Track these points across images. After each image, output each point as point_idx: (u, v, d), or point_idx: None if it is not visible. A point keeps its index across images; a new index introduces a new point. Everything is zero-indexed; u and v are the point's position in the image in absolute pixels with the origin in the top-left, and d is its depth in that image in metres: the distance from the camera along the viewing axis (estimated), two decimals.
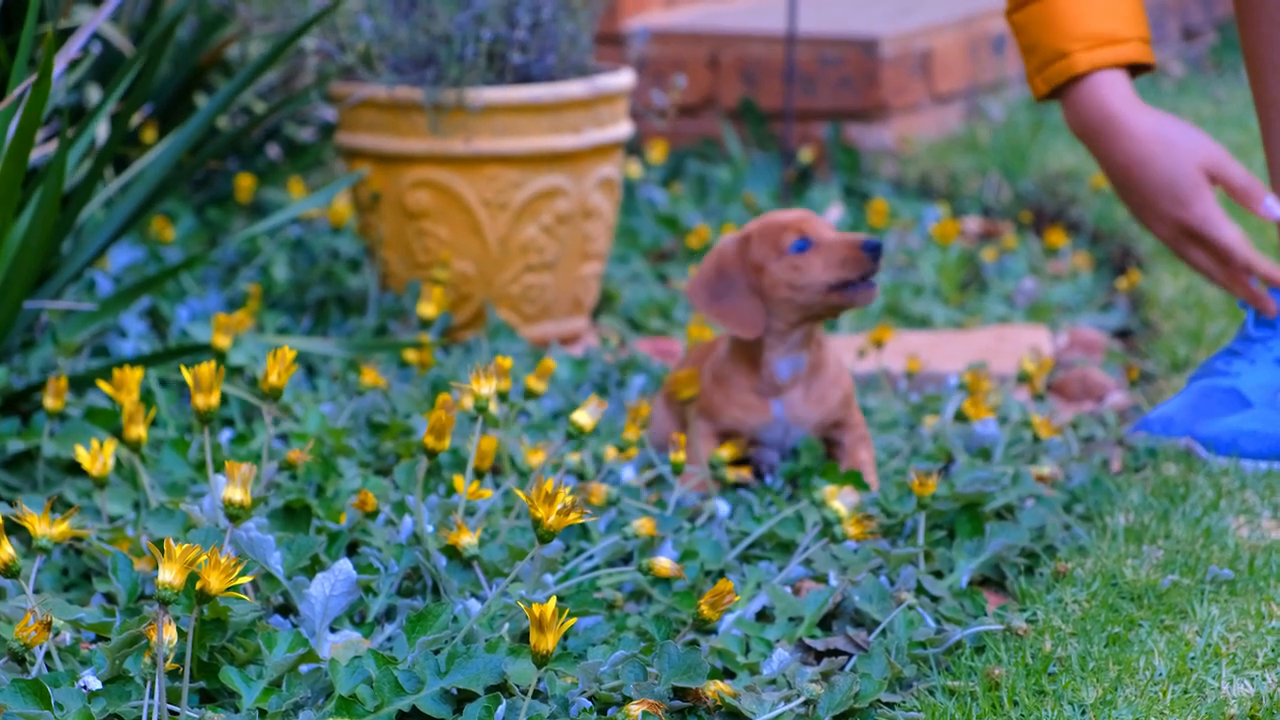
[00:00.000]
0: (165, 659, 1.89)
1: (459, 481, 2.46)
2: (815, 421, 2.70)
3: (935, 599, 2.31)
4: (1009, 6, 2.75)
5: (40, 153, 2.90)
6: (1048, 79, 2.71)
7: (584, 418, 2.44)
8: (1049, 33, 2.70)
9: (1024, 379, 3.03)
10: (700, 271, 2.70)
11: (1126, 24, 2.70)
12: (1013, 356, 3.36)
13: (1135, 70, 2.73)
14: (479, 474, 2.58)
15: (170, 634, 1.90)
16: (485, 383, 2.35)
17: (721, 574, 2.40)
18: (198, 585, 1.88)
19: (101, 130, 3.29)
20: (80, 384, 2.79)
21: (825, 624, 2.29)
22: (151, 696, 1.92)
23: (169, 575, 1.85)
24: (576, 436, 2.44)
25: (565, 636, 2.16)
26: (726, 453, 2.65)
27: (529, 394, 2.51)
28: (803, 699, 2.05)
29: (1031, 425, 2.85)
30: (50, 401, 2.60)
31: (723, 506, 2.55)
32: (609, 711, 2.02)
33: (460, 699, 2.00)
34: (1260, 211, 2.69)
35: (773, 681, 2.10)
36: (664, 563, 2.27)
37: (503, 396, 2.60)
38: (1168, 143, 2.69)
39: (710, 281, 2.68)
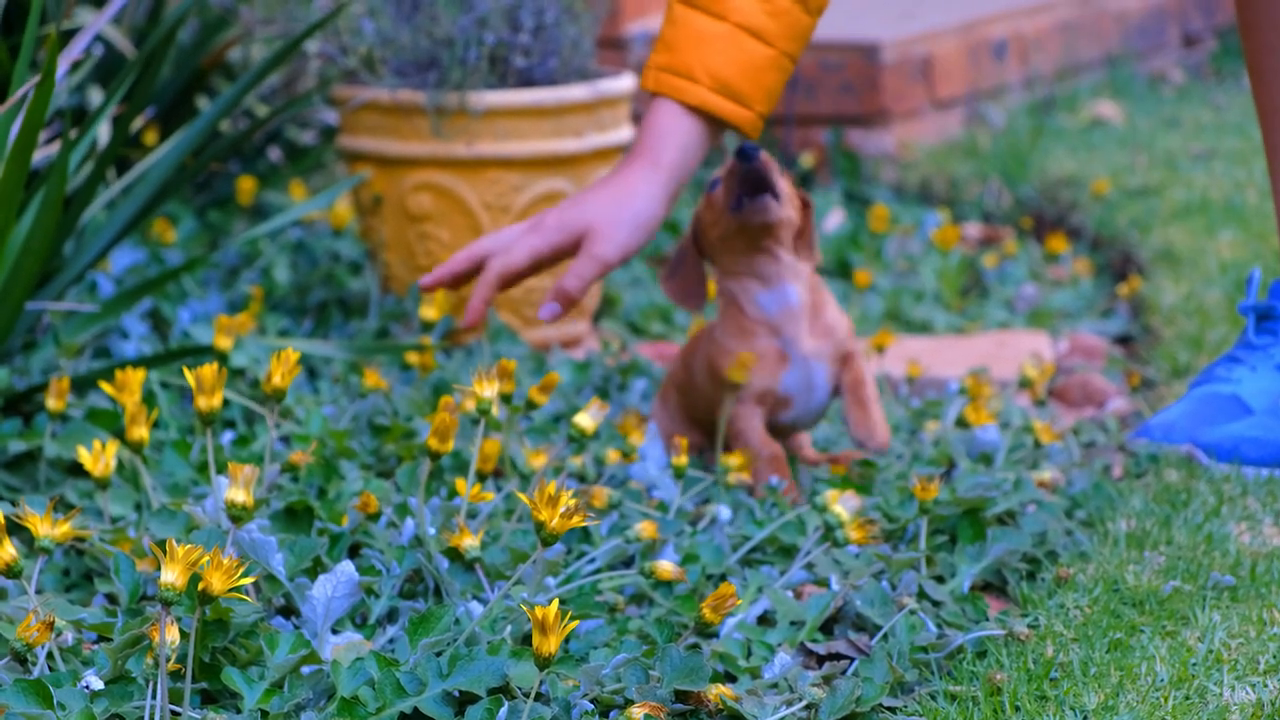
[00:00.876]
0: (167, 660, 1.89)
1: (461, 484, 2.46)
2: (829, 352, 2.69)
3: (937, 604, 2.31)
4: None
5: (42, 154, 2.90)
6: (663, 83, 2.67)
7: (586, 421, 2.44)
8: (695, 48, 2.66)
9: (1025, 384, 3.03)
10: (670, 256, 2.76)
11: (759, 95, 2.67)
12: (1013, 362, 3.36)
13: (726, 129, 2.71)
14: (481, 477, 2.58)
15: (172, 635, 1.90)
16: (487, 385, 2.35)
17: (723, 577, 2.40)
18: (200, 586, 1.88)
19: (103, 132, 3.29)
20: (82, 385, 2.79)
21: (827, 628, 2.29)
22: (153, 697, 1.92)
23: (171, 576, 1.85)
24: (578, 439, 2.44)
25: (567, 639, 2.16)
26: (735, 461, 2.65)
27: (530, 405, 2.51)
28: (804, 703, 2.05)
29: (1033, 431, 2.85)
30: (52, 402, 2.60)
31: (724, 511, 2.55)
32: (610, 715, 2.02)
33: (462, 701, 2.00)
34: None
35: (774, 685, 2.10)
36: (666, 566, 2.27)
37: (506, 399, 2.60)
38: (623, 198, 2.67)
39: (671, 263, 2.74)
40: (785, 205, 2.65)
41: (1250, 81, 2.80)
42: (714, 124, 2.68)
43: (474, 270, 2.72)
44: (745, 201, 2.62)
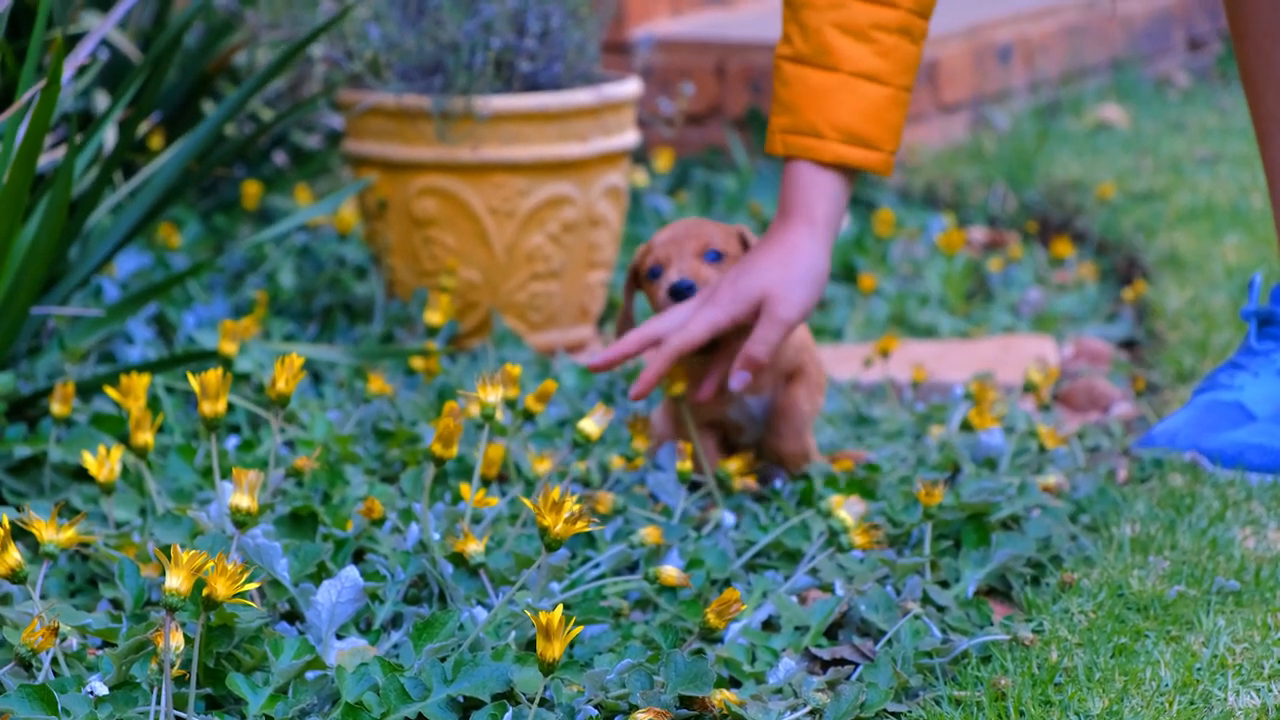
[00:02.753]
0: (172, 665, 1.89)
1: (465, 489, 2.47)
2: (769, 383, 2.68)
3: (941, 609, 2.31)
4: (784, 50, 2.66)
5: (48, 159, 2.91)
6: (790, 145, 2.65)
7: (590, 426, 2.44)
8: (814, 104, 2.64)
9: (1030, 389, 3.03)
10: None
11: (887, 135, 2.66)
12: (1018, 367, 3.36)
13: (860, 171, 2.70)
14: (485, 482, 2.58)
15: (177, 640, 1.90)
16: (492, 390, 2.35)
17: (728, 583, 2.40)
18: (204, 591, 1.88)
19: (109, 136, 3.30)
20: (87, 390, 2.79)
21: (831, 633, 2.29)
22: (158, 703, 1.92)
23: (176, 581, 1.85)
24: (583, 445, 2.44)
25: (571, 644, 2.16)
26: (734, 465, 2.65)
27: (528, 414, 2.51)
28: (809, 708, 2.05)
29: (1037, 435, 2.85)
30: (57, 407, 2.60)
31: (729, 517, 2.55)
32: None
33: (466, 707, 2.00)
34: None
35: (779, 691, 2.10)
36: (670, 571, 2.27)
37: (511, 404, 2.60)
38: (790, 259, 2.65)
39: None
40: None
41: (1244, 89, 2.80)
42: (849, 172, 2.67)
43: (643, 350, 2.72)
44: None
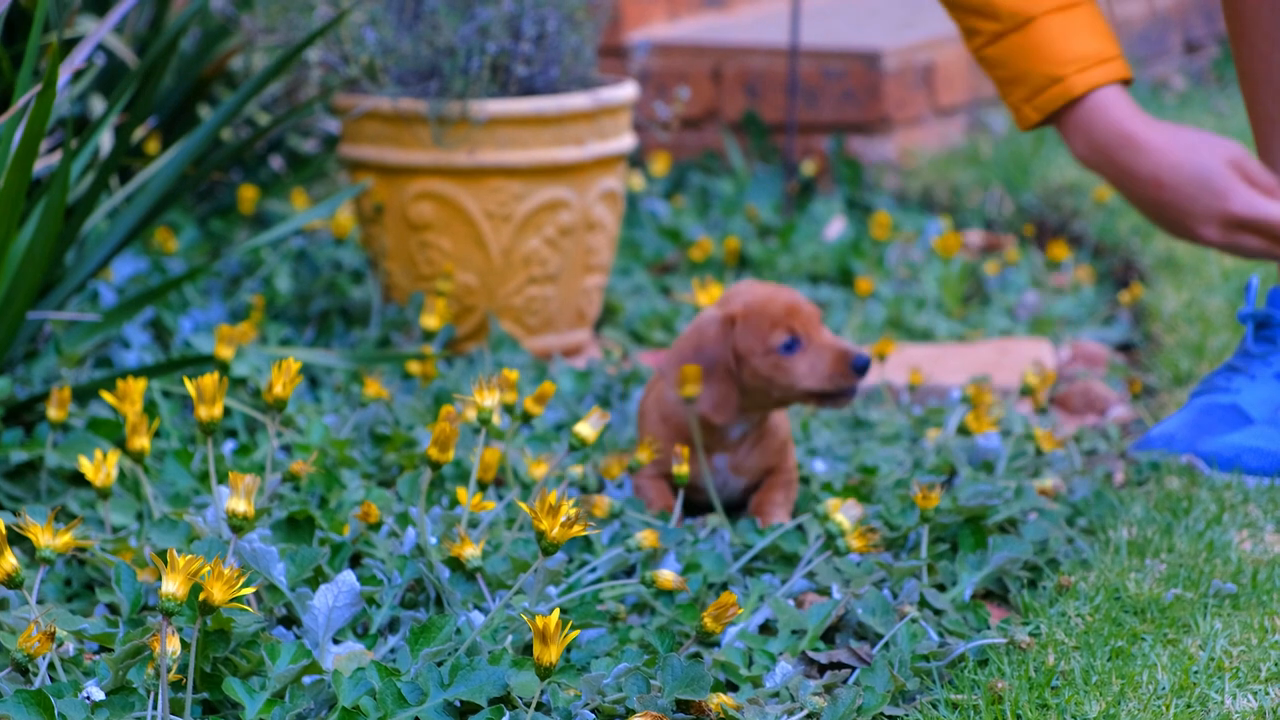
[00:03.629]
0: (168, 670, 1.89)
1: (462, 493, 2.47)
2: (757, 469, 2.67)
3: (938, 612, 2.31)
4: (977, 42, 2.68)
5: (44, 164, 2.90)
6: (1040, 106, 2.67)
7: (587, 430, 2.44)
8: (1036, 60, 2.66)
9: (1026, 392, 3.03)
10: (678, 348, 2.62)
11: (1108, 42, 2.68)
12: (1015, 370, 3.36)
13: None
14: (482, 486, 2.58)
15: (173, 645, 1.90)
16: (488, 395, 2.35)
17: (724, 586, 2.40)
18: (201, 596, 1.88)
19: (105, 141, 3.29)
20: (83, 395, 2.79)
21: (828, 637, 2.29)
22: (155, 707, 1.92)
23: (172, 586, 1.85)
24: (579, 448, 2.44)
25: (568, 649, 2.16)
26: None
27: (526, 417, 2.51)
28: (805, 712, 2.05)
29: (1034, 438, 2.85)
30: (53, 412, 2.60)
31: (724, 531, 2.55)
32: None
33: (463, 711, 2.00)
34: None
35: (775, 694, 2.10)
36: (667, 575, 2.27)
37: (508, 408, 2.60)
38: (1190, 146, 2.66)
39: (687, 359, 2.60)
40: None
41: (1242, 91, 2.80)
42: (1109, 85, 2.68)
43: None
44: (836, 398, 2.58)
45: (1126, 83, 2.70)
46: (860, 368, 2.55)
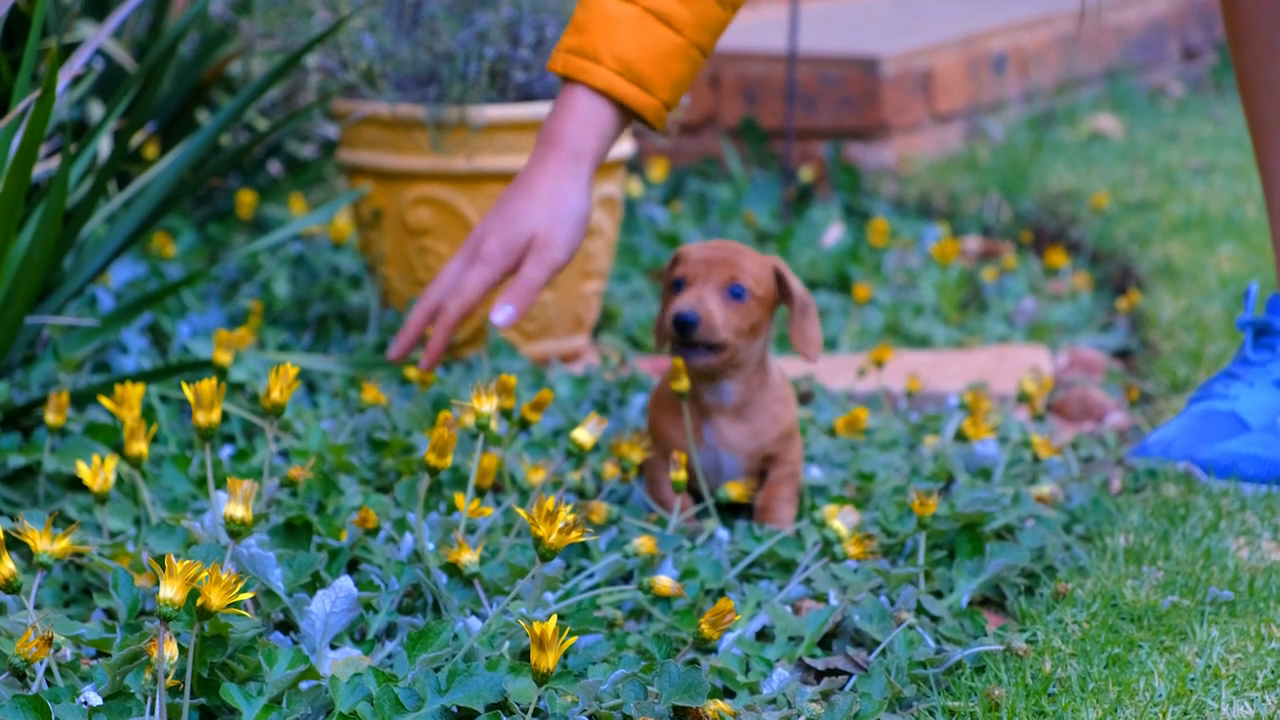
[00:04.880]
0: (166, 675, 1.89)
1: (460, 499, 2.47)
2: (748, 450, 2.65)
3: (935, 619, 2.31)
4: None
5: (43, 169, 2.91)
6: (569, 66, 2.66)
7: (584, 435, 2.44)
8: (603, 30, 2.64)
9: (1024, 399, 3.03)
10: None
11: (665, 83, 2.65)
12: (1013, 376, 3.36)
13: (634, 119, 2.70)
14: (480, 491, 2.58)
15: (171, 650, 1.90)
16: (487, 400, 2.35)
17: (722, 593, 2.40)
18: (199, 601, 1.88)
19: (104, 146, 3.30)
20: (81, 399, 2.79)
21: (825, 643, 2.29)
22: (152, 713, 1.92)
23: (170, 591, 1.85)
24: (577, 454, 2.44)
25: (566, 655, 2.16)
26: (735, 491, 2.63)
27: (524, 423, 2.51)
28: (803, 718, 2.05)
29: (1031, 445, 2.85)
30: (51, 417, 2.60)
31: (722, 532, 2.55)
32: None
33: (460, 717, 2.00)
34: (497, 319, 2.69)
35: (773, 701, 2.10)
36: (664, 581, 2.27)
37: (506, 414, 2.60)
38: (555, 200, 2.66)
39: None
40: (724, 350, 2.58)
41: (1241, 96, 2.81)
42: (623, 112, 2.68)
43: (429, 321, 2.75)
44: (680, 351, 2.58)
45: (646, 123, 2.67)
46: (677, 320, 2.54)
